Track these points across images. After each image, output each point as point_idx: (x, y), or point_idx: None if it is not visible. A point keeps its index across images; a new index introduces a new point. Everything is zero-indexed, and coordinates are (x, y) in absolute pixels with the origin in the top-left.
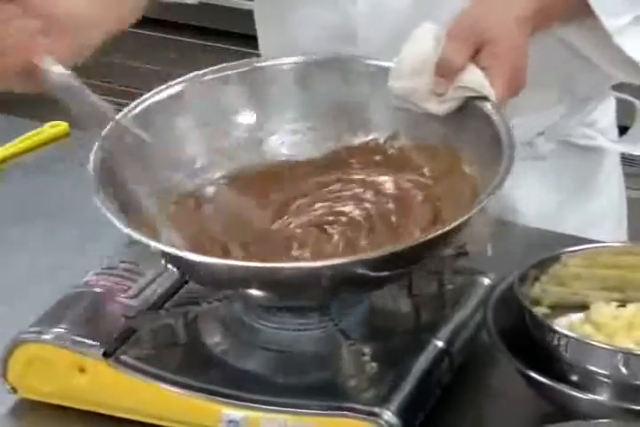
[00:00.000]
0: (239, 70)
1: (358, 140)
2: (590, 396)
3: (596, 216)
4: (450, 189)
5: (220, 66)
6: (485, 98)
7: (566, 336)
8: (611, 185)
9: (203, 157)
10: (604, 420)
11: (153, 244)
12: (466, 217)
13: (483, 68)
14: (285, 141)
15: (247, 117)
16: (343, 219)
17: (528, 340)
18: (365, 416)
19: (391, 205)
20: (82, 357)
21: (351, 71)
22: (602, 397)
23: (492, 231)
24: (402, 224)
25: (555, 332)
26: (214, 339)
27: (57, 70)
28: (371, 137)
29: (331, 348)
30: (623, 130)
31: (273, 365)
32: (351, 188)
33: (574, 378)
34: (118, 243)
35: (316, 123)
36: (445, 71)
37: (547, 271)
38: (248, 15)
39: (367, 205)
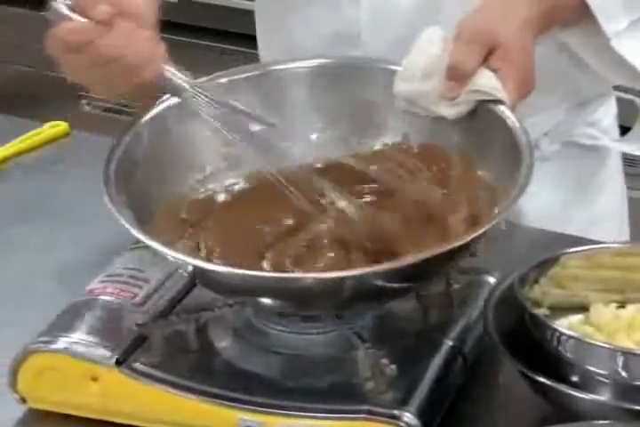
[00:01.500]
0: (251, 74)
1: (370, 144)
2: (591, 396)
3: (599, 216)
4: (466, 196)
5: (231, 69)
6: (498, 101)
7: (567, 336)
8: (613, 185)
9: (214, 163)
10: (606, 421)
11: (174, 254)
12: (489, 225)
13: (494, 71)
14: (298, 146)
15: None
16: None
17: (528, 340)
18: (386, 419)
19: (409, 214)
20: (94, 365)
21: (364, 75)
22: (603, 397)
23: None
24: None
25: (555, 331)
26: (226, 344)
27: (180, 75)
28: (383, 141)
29: (346, 351)
30: (624, 130)
31: (287, 369)
32: (366, 195)
33: (575, 378)
34: (119, 245)
35: (328, 128)
36: (457, 75)
37: (546, 273)
38: (248, 15)
39: (384, 215)
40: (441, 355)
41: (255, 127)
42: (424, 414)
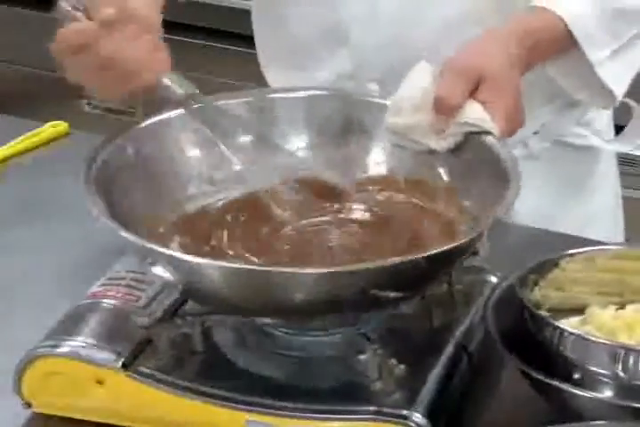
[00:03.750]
0: (245, 99)
1: (357, 173)
2: (592, 394)
3: (591, 216)
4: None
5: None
6: (487, 133)
7: (569, 333)
8: (606, 185)
9: (198, 183)
10: (608, 421)
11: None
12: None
13: (482, 103)
14: (282, 174)
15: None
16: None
17: (528, 340)
18: (394, 419)
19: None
20: (99, 369)
21: (353, 106)
22: (604, 395)
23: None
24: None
25: (557, 329)
26: (232, 346)
27: (179, 81)
28: (369, 173)
29: (352, 352)
30: (620, 129)
31: (294, 370)
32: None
33: (576, 377)
34: (119, 246)
35: (316, 155)
36: (444, 107)
37: (546, 276)
38: (248, 15)
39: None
40: (446, 354)
41: (246, 139)
42: (432, 414)
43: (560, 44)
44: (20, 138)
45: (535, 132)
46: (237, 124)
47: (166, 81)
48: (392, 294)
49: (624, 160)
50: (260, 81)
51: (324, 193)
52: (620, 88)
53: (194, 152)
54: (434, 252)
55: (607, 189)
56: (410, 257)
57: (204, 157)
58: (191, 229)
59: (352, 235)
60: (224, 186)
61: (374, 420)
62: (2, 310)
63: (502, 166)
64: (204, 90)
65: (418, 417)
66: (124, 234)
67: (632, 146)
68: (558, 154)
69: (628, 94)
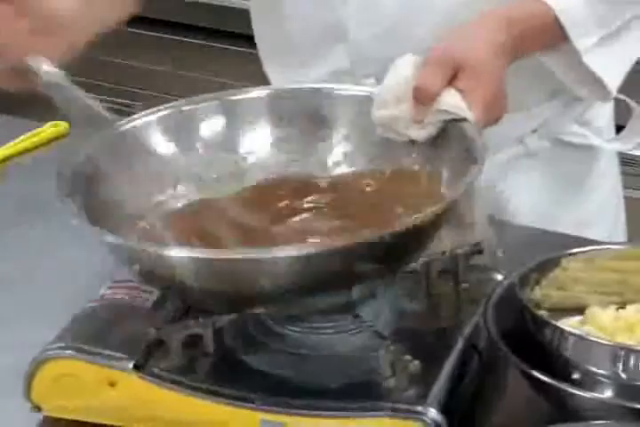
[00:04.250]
0: (218, 100)
1: (338, 168)
2: (592, 395)
3: (591, 215)
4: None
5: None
6: (464, 120)
7: (569, 333)
8: (606, 185)
9: (182, 183)
10: (608, 421)
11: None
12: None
13: (460, 91)
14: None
15: (227, 146)
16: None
17: (528, 340)
18: (410, 415)
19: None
20: (111, 371)
21: (330, 99)
22: (604, 395)
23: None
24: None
25: (557, 329)
26: (244, 346)
27: (47, 69)
28: (352, 168)
29: (365, 349)
30: (621, 129)
31: (306, 369)
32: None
33: (576, 377)
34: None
35: (297, 153)
36: (422, 96)
37: (547, 275)
38: (248, 15)
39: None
40: (457, 351)
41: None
42: (447, 410)
43: (550, 33)
44: (20, 138)
45: (533, 131)
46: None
47: (35, 63)
48: (375, 267)
49: (624, 160)
50: (261, 81)
51: (299, 190)
52: (612, 79)
53: (167, 156)
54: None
55: (607, 189)
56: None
57: (177, 160)
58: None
59: (323, 220)
60: (200, 189)
61: (389, 417)
62: (1, 310)
63: (471, 149)
64: (205, 90)
65: (433, 413)
66: (98, 234)
67: (632, 145)
68: (557, 153)
69: (629, 95)
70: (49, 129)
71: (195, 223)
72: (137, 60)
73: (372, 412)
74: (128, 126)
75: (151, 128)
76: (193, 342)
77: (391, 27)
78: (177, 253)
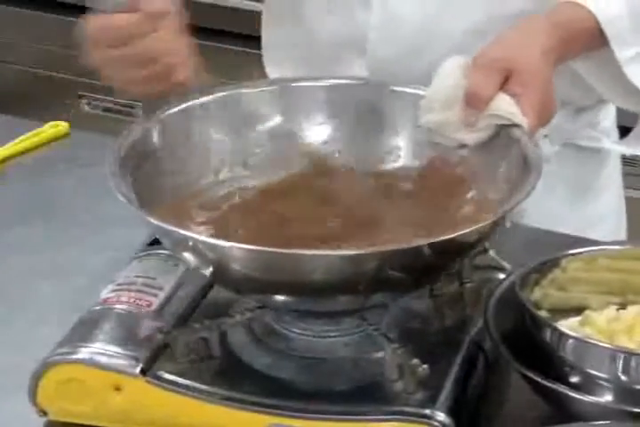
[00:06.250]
0: (273, 87)
1: (382, 164)
2: (591, 398)
3: (597, 217)
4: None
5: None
6: (517, 126)
7: (568, 336)
8: (612, 186)
9: (225, 169)
10: (605, 422)
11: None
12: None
13: (512, 96)
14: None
15: (278, 132)
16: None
17: (528, 341)
18: (417, 419)
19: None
20: (117, 375)
21: (387, 94)
22: (603, 399)
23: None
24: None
25: (557, 331)
26: (250, 350)
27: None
28: (399, 164)
29: (372, 352)
30: (623, 130)
31: (313, 373)
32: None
33: (575, 380)
34: (119, 245)
35: (345, 145)
36: (474, 101)
37: (547, 276)
38: (248, 15)
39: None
40: (463, 353)
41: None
42: (455, 413)
43: (589, 38)
44: (20, 138)
45: (545, 136)
46: (260, 113)
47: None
48: (409, 277)
49: (624, 160)
50: None
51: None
52: None
53: (218, 139)
54: (456, 234)
55: (613, 190)
56: (434, 239)
57: (227, 144)
58: (219, 215)
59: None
60: (248, 173)
61: (397, 420)
62: (1, 310)
63: (526, 160)
64: None
65: (441, 416)
66: (153, 221)
67: None
68: (567, 155)
69: None
70: (49, 129)
71: (241, 210)
72: None
73: (382, 416)
74: (179, 108)
75: (203, 110)
76: (200, 345)
77: (413, 40)
78: (227, 245)
